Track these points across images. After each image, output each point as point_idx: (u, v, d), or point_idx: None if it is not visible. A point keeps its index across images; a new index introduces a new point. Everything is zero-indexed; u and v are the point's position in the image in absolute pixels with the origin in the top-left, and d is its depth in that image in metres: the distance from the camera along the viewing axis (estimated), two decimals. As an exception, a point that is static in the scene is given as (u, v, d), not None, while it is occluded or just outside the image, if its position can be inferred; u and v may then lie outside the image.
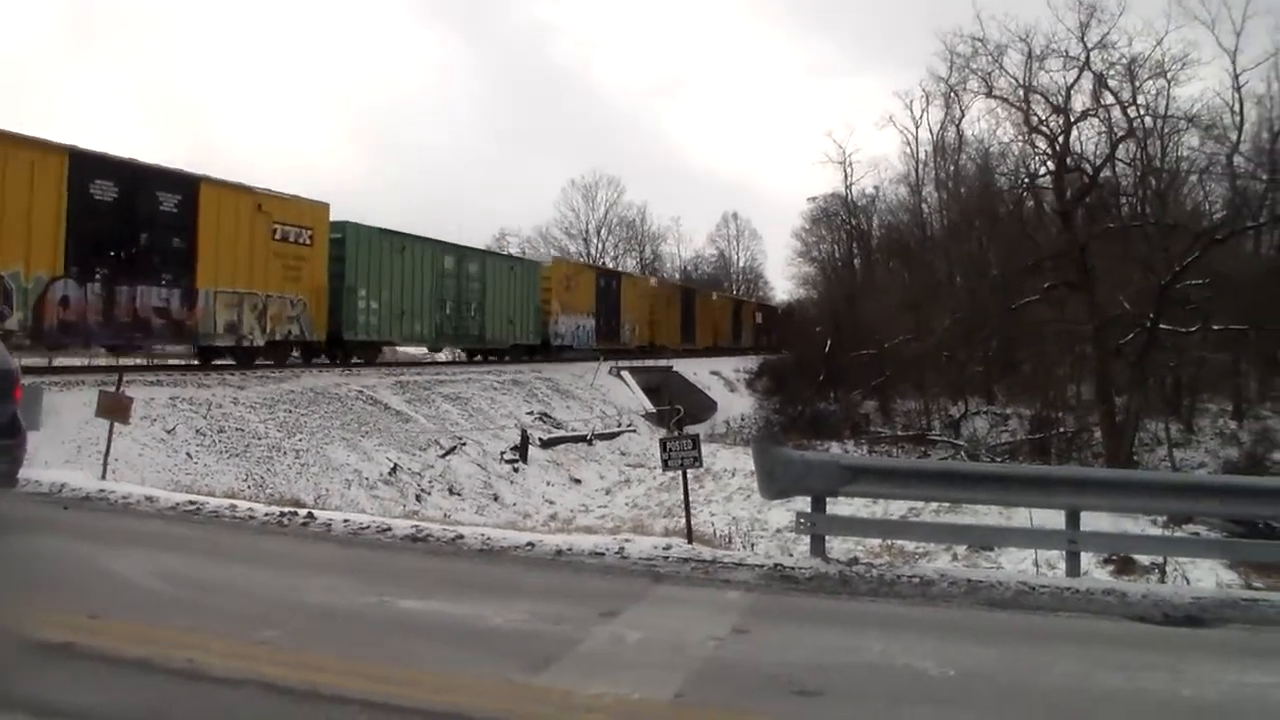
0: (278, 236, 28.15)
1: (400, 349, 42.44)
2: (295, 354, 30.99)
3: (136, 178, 23.91)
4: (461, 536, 10.70)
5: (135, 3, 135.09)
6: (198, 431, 20.38)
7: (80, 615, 6.87)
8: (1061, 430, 40.41)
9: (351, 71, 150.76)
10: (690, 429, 35.45)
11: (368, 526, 11.18)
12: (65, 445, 16.94)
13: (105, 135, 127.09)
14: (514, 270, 43.72)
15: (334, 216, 31.03)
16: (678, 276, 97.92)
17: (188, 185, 25.36)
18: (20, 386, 10.33)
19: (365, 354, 34.32)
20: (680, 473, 11.40)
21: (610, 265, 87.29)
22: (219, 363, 28.38)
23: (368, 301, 32.48)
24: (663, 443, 11.36)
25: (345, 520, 11.50)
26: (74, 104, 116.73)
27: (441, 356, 43.01)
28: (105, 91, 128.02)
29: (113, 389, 14.78)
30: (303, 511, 11.93)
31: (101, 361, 26.95)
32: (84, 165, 22.51)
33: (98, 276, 22.77)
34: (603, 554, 10.14)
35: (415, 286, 35.26)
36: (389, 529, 11.06)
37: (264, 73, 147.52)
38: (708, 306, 72.85)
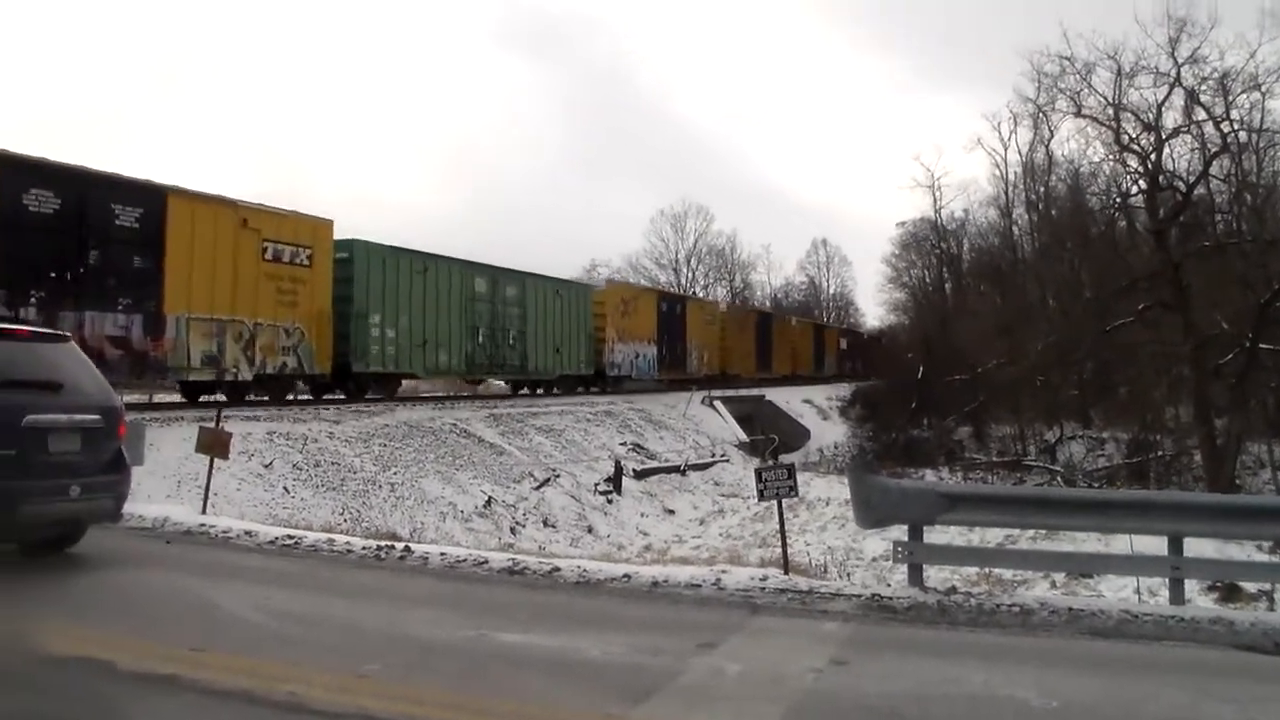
0: (269, 256, 25.41)
1: (425, 381, 38.72)
2: (303, 387, 29.78)
3: (84, 187, 21.26)
4: (558, 569, 10.73)
5: (218, 49, 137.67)
6: (294, 466, 20.65)
7: (184, 648, 6.97)
8: (1160, 454, 39.66)
9: (435, 108, 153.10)
10: (784, 458, 35.41)
11: (464, 559, 11.25)
12: (166, 480, 17.26)
13: (199, 178, 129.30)
14: (560, 294, 40.28)
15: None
16: (768, 304, 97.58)
17: (153, 197, 22.71)
18: (124, 423, 10.55)
19: (382, 388, 31.23)
20: (775, 502, 11.37)
21: (700, 294, 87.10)
22: (300, 397, 28.58)
23: (382, 329, 29.57)
24: (758, 472, 11.32)
25: (442, 553, 11.57)
26: (167, 149, 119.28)
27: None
28: (197, 135, 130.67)
29: (212, 424, 15.03)
30: (400, 545, 12.02)
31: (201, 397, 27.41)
32: (15, 172, 19.96)
33: (33, 300, 20.04)
34: (699, 585, 10.11)
35: (441, 312, 32.31)
36: (485, 562, 11.12)
37: (350, 112, 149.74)
38: (786, 332, 69.27)
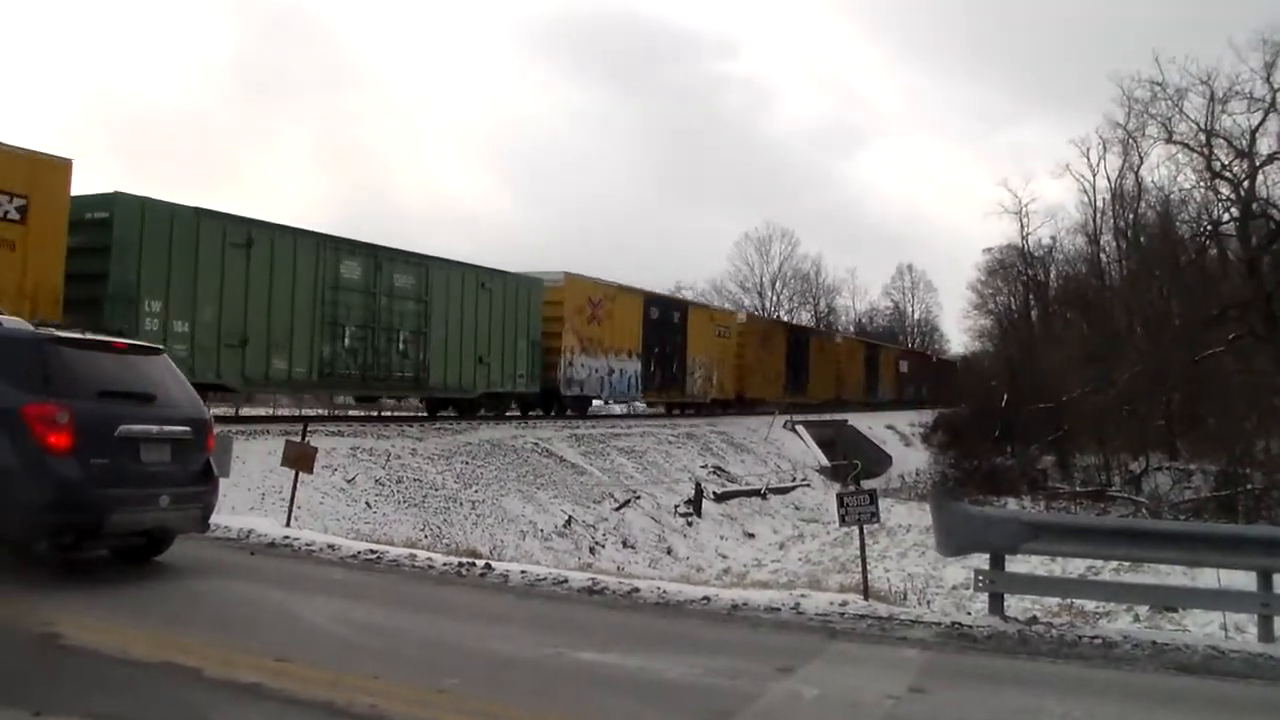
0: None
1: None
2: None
3: None
4: (637, 590, 10.76)
5: (308, 68, 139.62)
6: (377, 481, 20.87)
7: (269, 658, 7.07)
8: (1250, 487, 38.85)
9: (520, 129, 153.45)
10: (865, 484, 35.23)
11: (544, 578, 11.31)
12: (251, 492, 17.52)
13: (282, 194, 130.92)
14: (489, 288, 30.89)
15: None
16: (852, 330, 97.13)
17: None
18: (212, 435, 10.73)
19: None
20: (856, 528, 11.32)
21: (784, 318, 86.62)
22: (396, 414, 28.75)
23: (165, 322, 21.19)
24: (840, 497, 11.30)
25: (522, 571, 11.64)
26: (256, 167, 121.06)
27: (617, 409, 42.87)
28: (281, 153, 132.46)
29: (298, 439, 15.22)
30: (480, 562, 12.11)
31: (285, 411, 27.68)
32: None
33: None
34: (778, 609, 10.10)
35: (278, 302, 23.88)
36: (565, 581, 11.17)
37: (432, 132, 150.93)
38: (828, 351, 62.38)
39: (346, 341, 25.70)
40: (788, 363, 55.23)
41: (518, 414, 34.51)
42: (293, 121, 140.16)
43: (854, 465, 27.86)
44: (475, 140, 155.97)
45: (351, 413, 28.71)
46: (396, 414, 29.06)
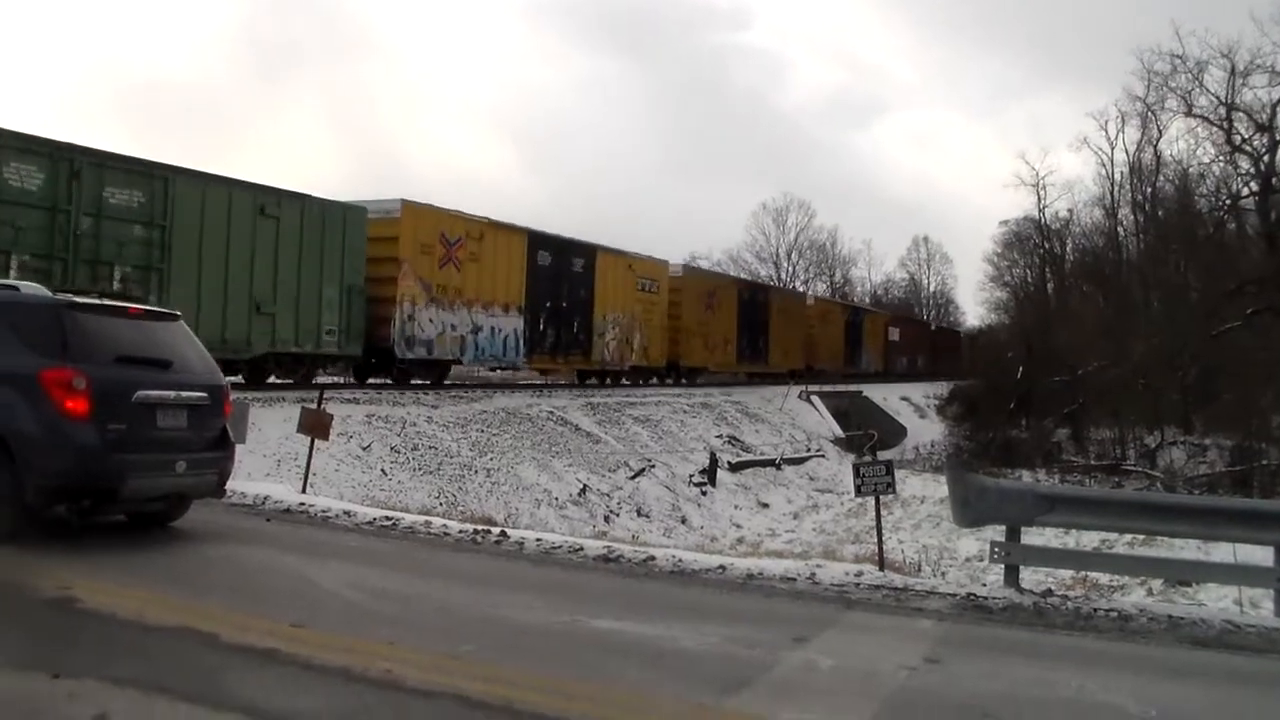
0: None
1: None
2: None
3: None
4: (653, 558, 10.76)
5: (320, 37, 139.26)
6: (392, 449, 20.90)
7: (284, 623, 7.08)
8: (1265, 462, 38.76)
9: (534, 98, 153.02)
10: (880, 455, 35.20)
11: (559, 546, 11.32)
12: (267, 459, 17.55)
13: (294, 163, 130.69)
14: (271, 216, 23.82)
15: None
16: (868, 300, 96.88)
17: None
18: (229, 401, 10.73)
19: None
20: (871, 499, 11.30)
21: (800, 288, 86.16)
22: (415, 381, 28.61)
23: None
24: (856, 468, 11.29)
25: (538, 539, 11.66)
26: (266, 133, 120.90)
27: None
28: (289, 123, 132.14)
29: (314, 406, 15.23)
30: (495, 530, 12.12)
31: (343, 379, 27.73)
32: None
33: None
34: (794, 579, 10.09)
35: None
36: (580, 549, 11.18)
37: (443, 100, 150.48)
38: (794, 314, 54.94)
39: (13, 273, 18.10)
40: (741, 326, 47.76)
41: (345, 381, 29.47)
42: (301, 90, 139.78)
43: (870, 436, 27.70)
44: (485, 109, 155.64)
45: (370, 380, 28.45)
46: (414, 383, 28.70)
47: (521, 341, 32.10)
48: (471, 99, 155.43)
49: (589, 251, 36.46)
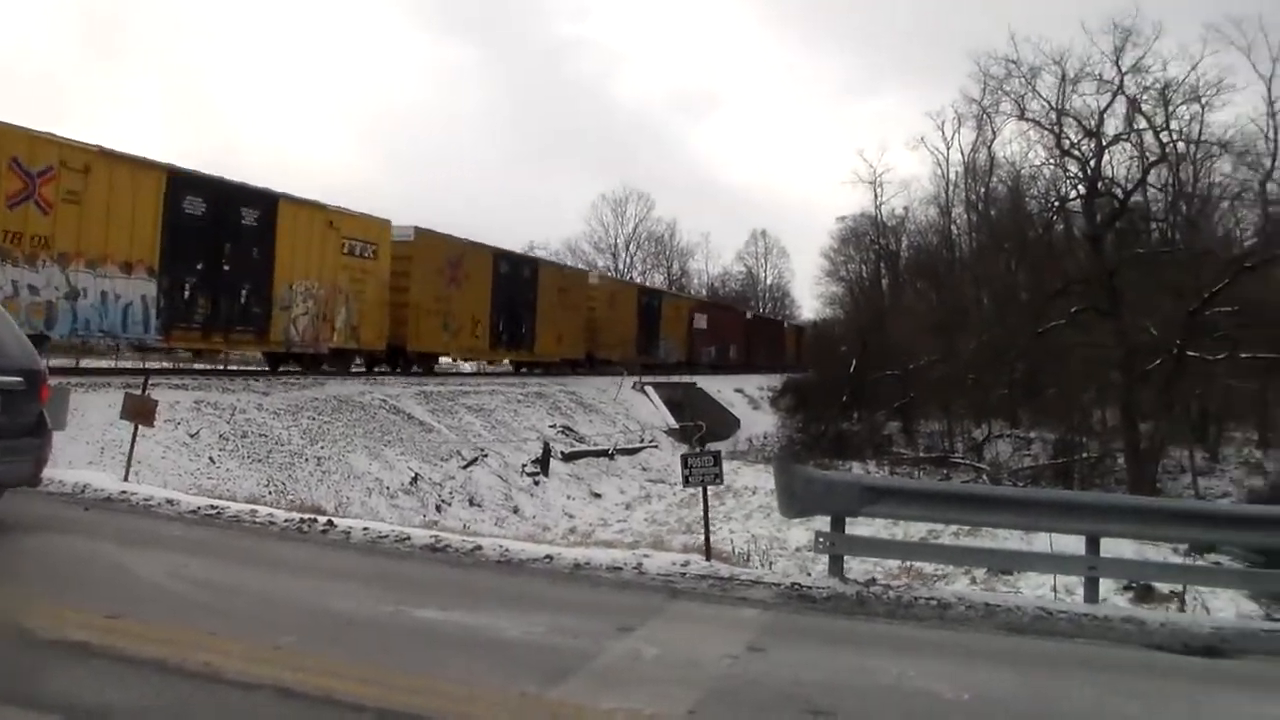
0: None
1: None
2: None
3: None
4: (480, 548, 10.73)
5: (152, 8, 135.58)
6: (221, 436, 20.50)
7: (99, 615, 6.91)
8: (1085, 456, 40.23)
9: (370, 85, 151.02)
10: (712, 446, 35.52)
11: (386, 535, 11.23)
12: (89, 446, 17.07)
13: (129, 137, 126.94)
14: None
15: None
16: (704, 293, 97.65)
17: None
18: (47, 387, 10.42)
19: None
20: (701, 489, 11.43)
21: (638, 279, 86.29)
22: (245, 369, 28.12)
23: None
24: (684, 458, 11.38)
25: (365, 528, 11.54)
26: (101, 107, 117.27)
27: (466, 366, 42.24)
28: (127, 95, 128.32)
29: (138, 391, 14.88)
30: (323, 519, 11.97)
31: (128, 364, 27.01)
32: None
33: None
34: (620, 569, 10.16)
35: None
36: (408, 538, 11.10)
37: (280, 83, 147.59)
38: (572, 294, 46.69)
39: None
40: (499, 305, 39.89)
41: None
42: (135, 71, 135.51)
43: (698, 427, 28.01)
44: (319, 90, 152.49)
45: (196, 366, 27.86)
46: (243, 368, 28.27)
47: (154, 312, 24.30)
48: (306, 81, 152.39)
49: (266, 201, 27.83)
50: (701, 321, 64.46)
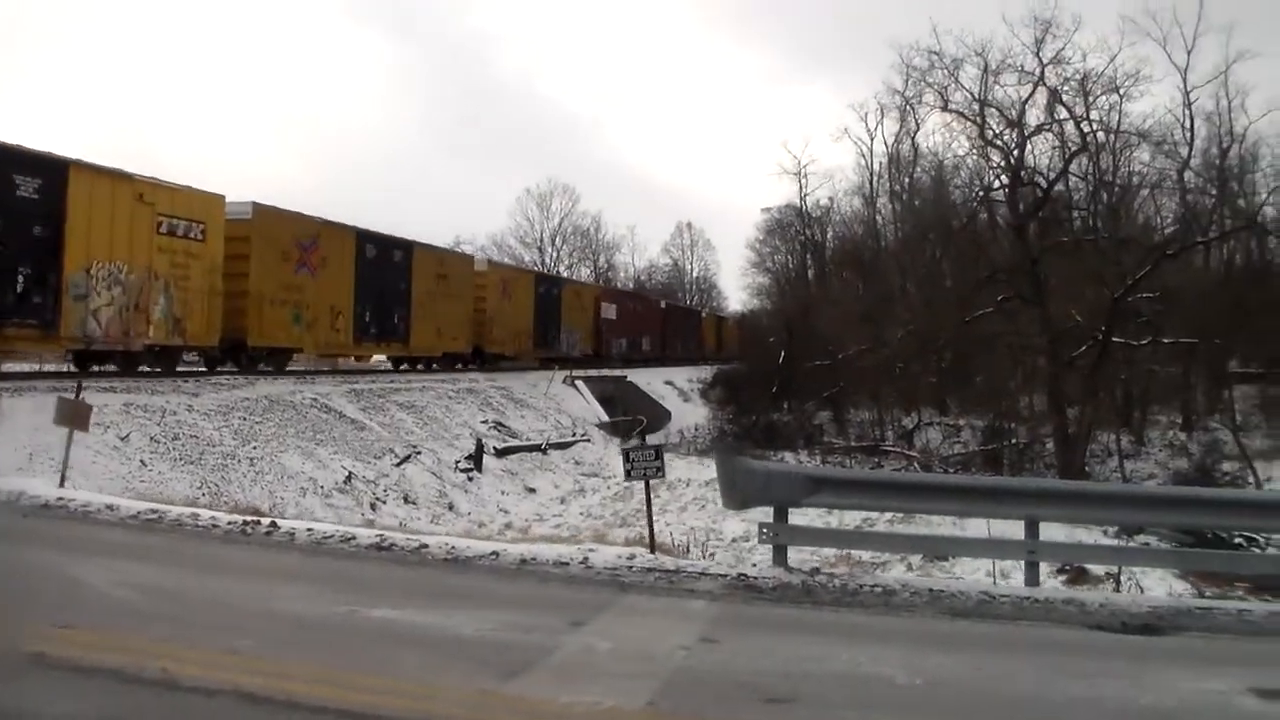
0: None
1: None
2: None
3: None
4: (426, 546, 10.77)
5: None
6: (152, 439, 20.27)
7: (50, 625, 6.89)
8: (1014, 441, 40.64)
9: (290, 82, 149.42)
10: (637, 440, 35.64)
11: (331, 535, 11.23)
12: (18, 452, 16.81)
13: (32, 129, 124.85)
14: None
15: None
16: (631, 285, 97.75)
17: None
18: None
19: None
20: (640, 482, 11.50)
21: (564, 273, 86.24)
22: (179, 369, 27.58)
23: None
24: (625, 453, 11.46)
25: (309, 529, 11.53)
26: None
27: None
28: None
29: (71, 395, 14.73)
30: (266, 520, 11.95)
31: (51, 367, 26.64)
32: None
33: None
34: (567, 564, 10.23)
35: None
36: (353, 538, 11.11)
37: (195, 74, 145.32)
38: (454, 282, 41.48)
39: None
40: (363, 294, 35.01)
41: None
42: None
43: (639, 421, 28.11)
44: (232, 76, 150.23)
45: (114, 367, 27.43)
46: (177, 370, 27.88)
47: None
48: (219, 65, 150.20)
49: (51, 168, 22.69)
50: (610, 311, 61.17)
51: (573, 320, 54.79)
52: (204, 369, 28.81)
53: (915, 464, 40.01)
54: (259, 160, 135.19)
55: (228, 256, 27.98)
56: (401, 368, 41.68)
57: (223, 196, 27.99)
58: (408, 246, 38.60)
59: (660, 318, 72.03)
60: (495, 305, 45.76)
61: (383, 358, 41.70)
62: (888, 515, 20.89)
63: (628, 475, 11.37)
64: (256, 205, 29.93)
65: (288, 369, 31.45)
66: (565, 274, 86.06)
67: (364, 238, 35.40)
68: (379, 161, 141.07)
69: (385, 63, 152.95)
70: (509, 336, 47.07)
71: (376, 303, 35.79)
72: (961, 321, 41.97)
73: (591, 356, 55.21)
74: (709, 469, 31.75)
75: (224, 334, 28.43)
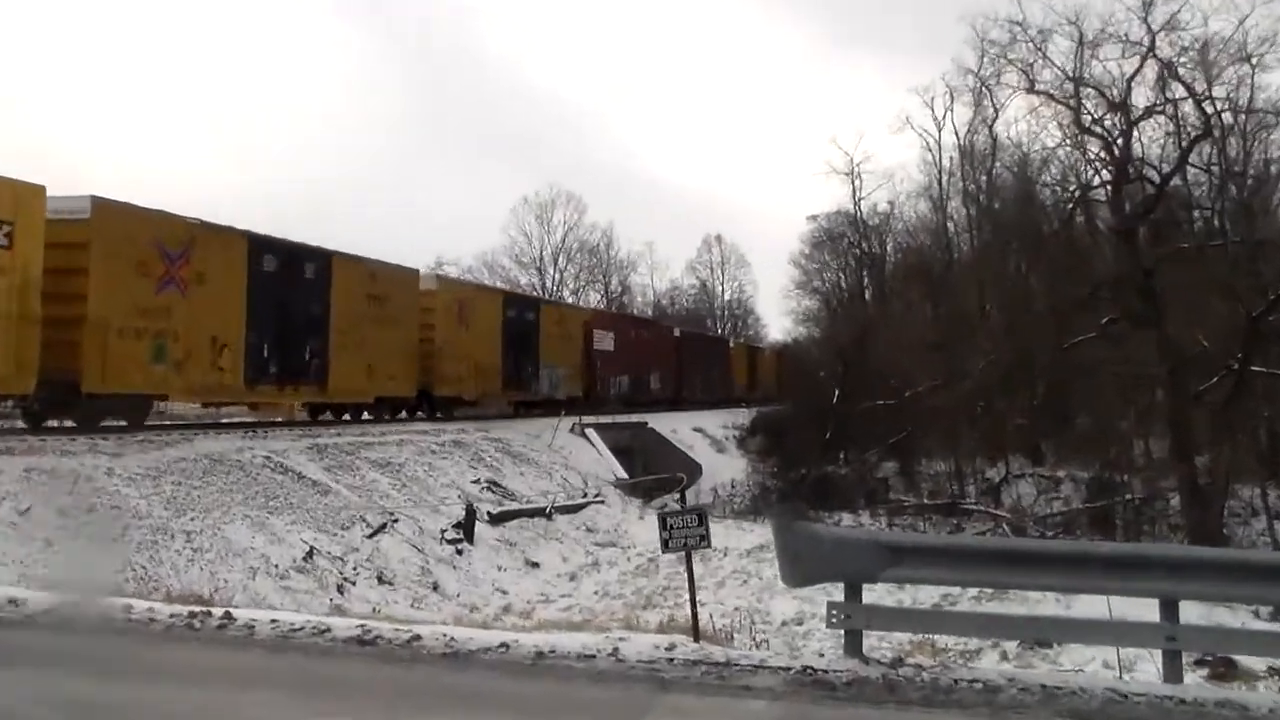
0: None
1: None
2: None
3: None
4: (419, 637, 10.69)
5: None
6: (60, 512, 20.09)
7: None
8: (1128, 497, 40.20)
9: (247, 82, 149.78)
10: (667, 499, 35.48)
11: (300, 628, 11.14)
12: None
13: None
14: None
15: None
16: (650, 311, 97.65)
17: None
18: None
19: None
20: (671, 555, 11.41)
21: (569, 298, 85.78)
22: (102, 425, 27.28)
23: None
24: (662, 518, 11.31)
25: (272, 621, 11.45)
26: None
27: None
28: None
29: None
30: (218, 611, 11.87)
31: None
32: None
33: None
34: (593, 655, 10.15)
35: None
36: (328, 630, 11.04)
37: (136, 84, 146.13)
38: (393, 305, 39.16)
39: None
40: (261, 320, 32.31)
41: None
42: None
43: (680, 479, 27.97)
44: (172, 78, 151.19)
45: (20, 425, 27.07)
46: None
47: None
48: (158, 67, 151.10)
49: None
50: (605, 341, 58.20)
51: (554, 353, 52.42)
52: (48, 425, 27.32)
53: (1004, 526, 39.71)
54: (206, 165, 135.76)
55: (53, 270, 24.99)
56: (320, 418, 39.15)
57: (43, 187, 24.87)
58: (324, 257, 35.87)
59: (673, 348, 70.15)
60: (448, 334, 43.09)
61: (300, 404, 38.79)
62: (973, 591, 20.81)
63: (665, 546, 11.26)
64: (97, 200, 26.87)
65: (151, 424, 29.05)
66: (570, 299, 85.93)
67: (260, 245, 32.63)
68: (342, 176, 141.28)
69: (350, 52, 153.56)
70: (468, 374, 44.58)
71: (279, 332, 33.30)
72: (1057, 349, 41.74)
73: (580, 400, 52.93)
74: (750, 534, 31.73)
75: (45, 376, 25.19)
